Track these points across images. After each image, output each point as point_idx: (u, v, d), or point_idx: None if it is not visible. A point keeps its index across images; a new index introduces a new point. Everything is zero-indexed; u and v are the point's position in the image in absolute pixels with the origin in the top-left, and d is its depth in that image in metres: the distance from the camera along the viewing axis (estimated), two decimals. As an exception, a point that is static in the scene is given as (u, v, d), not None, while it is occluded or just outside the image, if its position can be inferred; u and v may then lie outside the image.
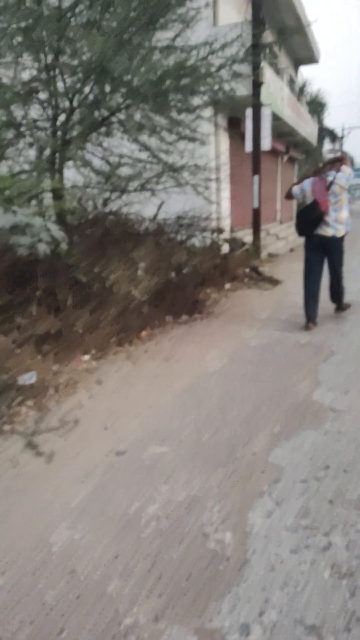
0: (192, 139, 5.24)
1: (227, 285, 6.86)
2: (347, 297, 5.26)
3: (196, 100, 4.89)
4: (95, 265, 4.18)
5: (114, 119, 4.57)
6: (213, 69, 4.26)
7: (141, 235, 5.21)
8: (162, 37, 4.50)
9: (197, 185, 5.13)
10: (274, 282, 7.22)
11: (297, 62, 17.46)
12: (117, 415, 2.77)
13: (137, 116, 4.59)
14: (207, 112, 5.41)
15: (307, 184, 4.41)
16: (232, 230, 11.00)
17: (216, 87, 4.38)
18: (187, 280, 5.68)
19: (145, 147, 4.43)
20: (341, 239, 4.43)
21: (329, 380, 3.13)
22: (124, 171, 4.70)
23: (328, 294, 4.79)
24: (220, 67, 4.18)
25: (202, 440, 2.41)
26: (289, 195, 4.61)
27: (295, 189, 4.51)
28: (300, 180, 4.57)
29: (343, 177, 4.38)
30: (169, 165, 4.27)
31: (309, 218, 4.33)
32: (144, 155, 4.82)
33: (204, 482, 2.06)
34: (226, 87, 4.55)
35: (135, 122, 4.22)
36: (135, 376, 3.41)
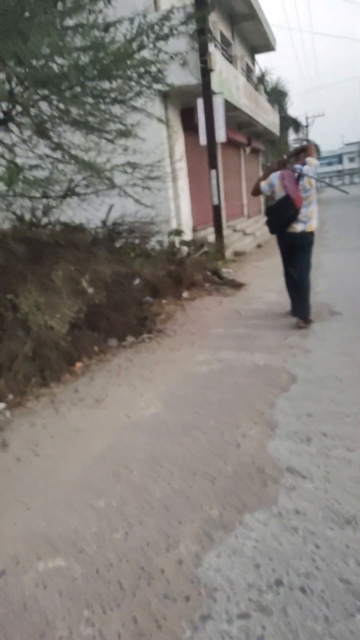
0: (124, 134, 4.56)
1: (185, 294, 6.22)
2: (313, 297, 4.71)
3: (124, 89, 4.22)
4: (9, 291, 3.48)
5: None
6: (134, 47, 3.59)
7: (74, 248, 4.51)
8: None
9: (135, 186, 4.46)
10: (237, 285, 6.62)
11: (252, 51, 16.94)
12: (7, 504, 2.08)
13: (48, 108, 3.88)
14: (145, 103, 4.73)
15: (275, 178, 4.10)
16: (194, 230, 10.40)
17: (141, 69, 3.69)
18: (134, 294, 5.01)
19: (57, 146, 3.71)
20: (311, 233, 4.11)
21: (287, 422, 2.51)
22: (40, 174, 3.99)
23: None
24: (141, 46, 3.50)
25: (110, 544, 1.75)
26: (256, 192, 4.32)
27: (264, 185, 4.21)
28: (266, 175, 4.25)
29: (310, 170, 4.03)
30: (90, 165, 3.56)
31: (284, 216, 4.02)
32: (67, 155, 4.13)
33: (99, 633, 1.40)
34: (153, 69, 3.87)
35: (34, 116, 3.51)
36: (51, 433, 2.72)
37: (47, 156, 3.97)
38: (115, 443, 2.50)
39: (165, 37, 3.57)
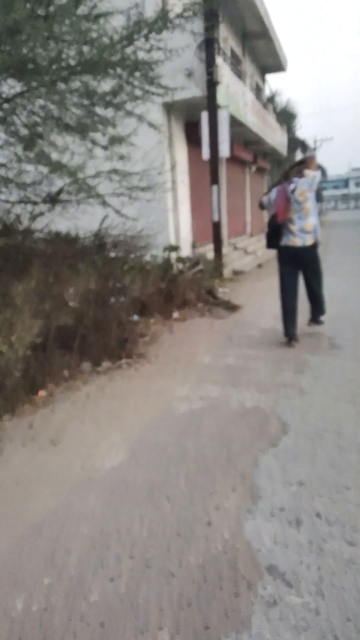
0: (115, 140, 4.17)
1: (175, 314, 5.76)
2: (313, 327, 4.40)
3: (115, 90, 3.84)
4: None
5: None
6: (123, 40, 3.18)
7: (52, 259, 4.07)
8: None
9: (121, 196, 4.04)
10: (232, 307, 6.17)
11: (263, 70, 16.82)
12: None
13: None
14: (135, 106, 4.34)
15: (274, 192, 4.11)
16: (193, 246, 10.00)
17: (128, 63, 3.29)
18: (117, 311, 4.54)
19: (27, 145, 3.29)
20: (313, 247, 4.02)
21: (273, 492, 2.01)
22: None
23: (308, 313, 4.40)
24: (130, 36, 3.10)
25: None
26: (260, 205, 4.39)
27: (265, 199, 4.30)
28: (270, 189, 4.23)
29: (305, 182, 3.91)
30: (61, 167, 3.13)
31: (270, 229, 4.12)
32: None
33: None
34: (146, 69, 3.48)
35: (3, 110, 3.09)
36: (-14, 484, 2.23)
37: (23, 157, 3.55)
38: (59, 507, 2.00)
39: (159, 30, 3.18)
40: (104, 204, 3.88)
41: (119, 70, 3.55)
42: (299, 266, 4.11)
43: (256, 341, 4.40)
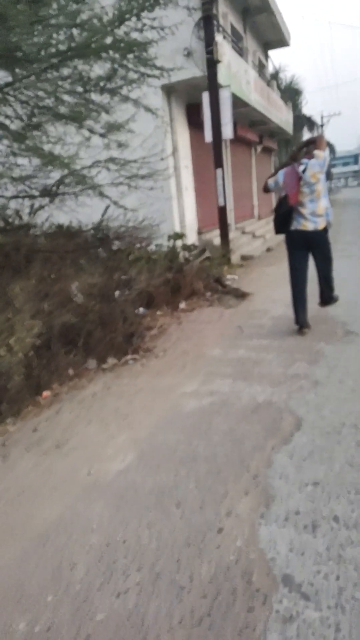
0: (113, 127, 4.01)
1: (183, 304, 5.64)
2: (325, 312, 4.30)
3: (110, 74, 3.67)
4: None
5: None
6: (112, 16, 3.01)
7: (52, 254, 3.97)
8: None
9: (119, 185, 3.90)
10: (242, 295, 6.01)
11: (266, 46, 16.26)
12: None
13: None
14: (129, 90, 4.16)
15: (281, 174, 3.90)
16: (199, 232, 9.82)
17: (121, 45, 3.12)
18: (122, 305, 4.45)
19: (17, 137, 3.15)
20: (324, 231, 3.82)
21: (287, 494, 1.91)
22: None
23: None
24: (122, 16, 2.93)
25: None
26: (265, 189, 4.16)
27: (270, 181, 4.06)
28: (276, 171, 4.00)
29: (316, 163, 3.71)
30: (53, 158, 3.00)
31: (279, 213, 3.90)
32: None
33: None
34: (140, 50, 3.30)
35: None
36: (-10, 492, 2.18)
37: (17, 149, 3.43)
38: (65, 514, 1.94)
39: (151, 8, 2.99)
40: (101, 194, 3.74)
41: (111, 53, 3.38)
42: (309, 250, 3.94)
43: (267, 330, 4.27)
